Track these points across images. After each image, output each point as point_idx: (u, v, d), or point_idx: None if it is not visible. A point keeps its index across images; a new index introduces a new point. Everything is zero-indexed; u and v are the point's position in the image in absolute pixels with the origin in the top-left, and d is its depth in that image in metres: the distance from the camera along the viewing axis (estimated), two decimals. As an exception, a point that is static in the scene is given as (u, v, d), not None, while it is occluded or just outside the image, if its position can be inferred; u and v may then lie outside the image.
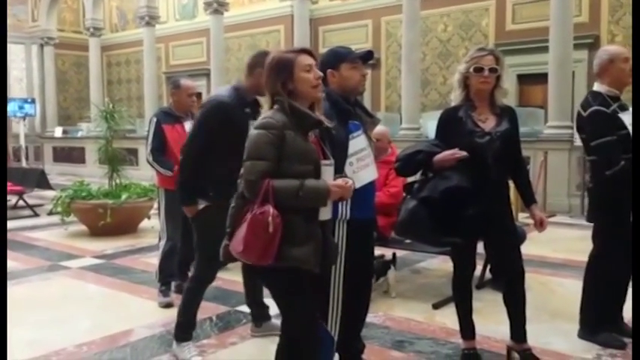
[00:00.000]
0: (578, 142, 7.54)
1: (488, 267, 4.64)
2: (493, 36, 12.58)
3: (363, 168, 2.81)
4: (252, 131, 2.30)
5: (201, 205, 3.33)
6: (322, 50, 11.43)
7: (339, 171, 2.48)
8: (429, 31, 13.39)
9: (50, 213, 7.90)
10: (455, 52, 13.16)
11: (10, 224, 7.19)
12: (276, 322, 3.52)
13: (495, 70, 2.98)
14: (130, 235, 7.10)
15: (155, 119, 4.59)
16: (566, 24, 8.98)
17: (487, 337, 3.51)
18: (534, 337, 3.34)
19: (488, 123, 3.04)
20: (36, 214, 8.89)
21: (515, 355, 3.19)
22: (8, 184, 8.49)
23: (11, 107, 17.18)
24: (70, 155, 17.19)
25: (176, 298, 4.21)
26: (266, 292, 3.47)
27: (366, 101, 13.01)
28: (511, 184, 3.18)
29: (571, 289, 4.22)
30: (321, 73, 2.35)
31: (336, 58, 2.83)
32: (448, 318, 3.78)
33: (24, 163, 16.31)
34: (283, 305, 2.40)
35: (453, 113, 3.08)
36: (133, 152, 12.98)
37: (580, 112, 3.43)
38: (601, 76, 3.41)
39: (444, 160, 2.95)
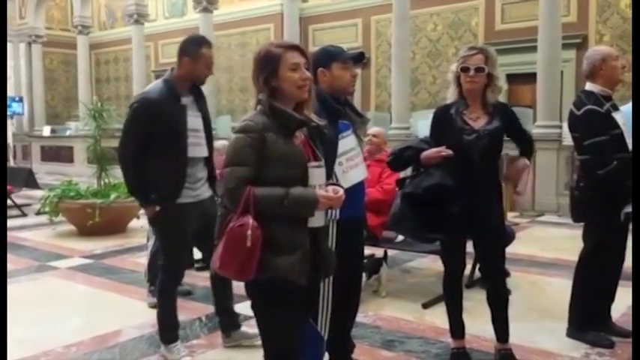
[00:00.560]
0: (566, 141, 7.62)
1: (478, 266, 4.65)
2: (482, 35, 12.62)
3: (352, 168, 2.81)
4: (232, 136, 2.18)
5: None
6: (312, 49, 11.42)
7: (329, 171, 2.44)
8: (418, 31, 13.42)
9: (38, 213, 7.83)
10: (444, 51, 13.21)
11: (-3, 224, 7.13)
12: (247, 330, 3.52)
13: (482, 70, 2.97)
14: (119, 234, 7.05)
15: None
16: (554, 24, 9.04)
17: (477, 336, 3.51)
18: (523, 336, 3.35)
19: (479, 121, 3.05)
20: (24, 214, 8.81)
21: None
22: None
23: (-2, 106, 17.06)
24: (59, 154, 17.05)
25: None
26: (237, 299, 3.47)
27: (356, 100, 13.01)
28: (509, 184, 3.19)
29: (559, 288, 4.23)
30: (309, 74, 2.16)
31: (328, 56, 2.81)
32: (438, 317, 3.79)
33: (12, 163, 16.16)
34: (263, 319, 2.19)
35: (446, 111, 3.10)
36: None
37: (573, 111, 3.42)
38: (593, 76, 3.40)
39: (430, 157, 2.97)
